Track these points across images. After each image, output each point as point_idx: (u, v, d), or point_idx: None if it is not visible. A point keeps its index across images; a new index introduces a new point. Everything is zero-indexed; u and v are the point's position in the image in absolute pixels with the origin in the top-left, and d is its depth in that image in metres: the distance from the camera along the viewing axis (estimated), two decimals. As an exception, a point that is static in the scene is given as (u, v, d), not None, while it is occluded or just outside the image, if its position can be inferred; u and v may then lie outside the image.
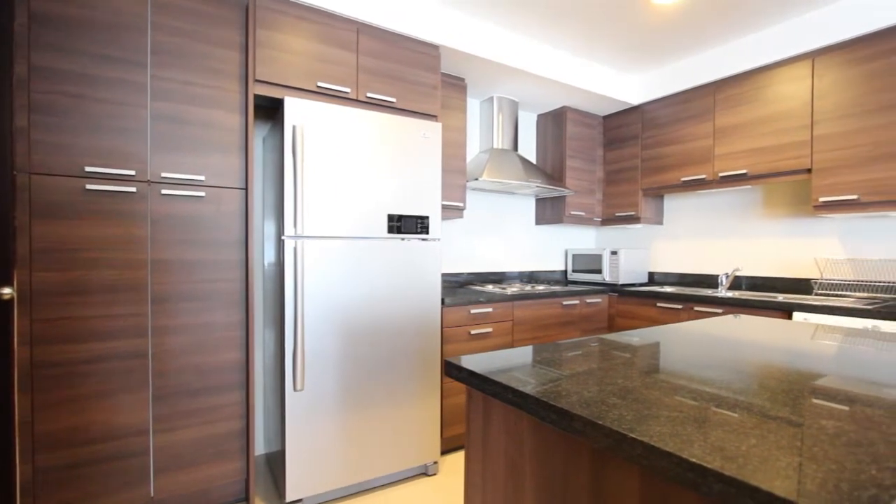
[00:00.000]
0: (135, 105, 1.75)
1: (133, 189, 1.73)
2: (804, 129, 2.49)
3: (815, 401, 0.76)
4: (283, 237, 1.90)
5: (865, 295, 2.49)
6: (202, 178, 1.86)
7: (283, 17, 2.01)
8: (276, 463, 2.11)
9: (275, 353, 2.09)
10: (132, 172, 1.74)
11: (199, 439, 1.87)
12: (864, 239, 2.53)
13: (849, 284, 2.56)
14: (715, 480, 0.51)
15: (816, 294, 2.67)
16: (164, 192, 1.79)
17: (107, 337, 1.70)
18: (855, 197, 2.29)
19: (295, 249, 1.90)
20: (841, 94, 2.35)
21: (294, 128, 1.89)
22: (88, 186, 1.66)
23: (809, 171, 2.48)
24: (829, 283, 2.64)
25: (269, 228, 2.25)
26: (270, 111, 2.41)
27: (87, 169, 1.65)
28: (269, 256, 2.24)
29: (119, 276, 1.72)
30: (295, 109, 1.90)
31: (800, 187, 2.79)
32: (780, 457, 0.55)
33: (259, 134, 2.49)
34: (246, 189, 1.97)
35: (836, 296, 2.58)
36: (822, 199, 2.41)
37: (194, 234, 1.87)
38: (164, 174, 1.80)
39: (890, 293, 2.42)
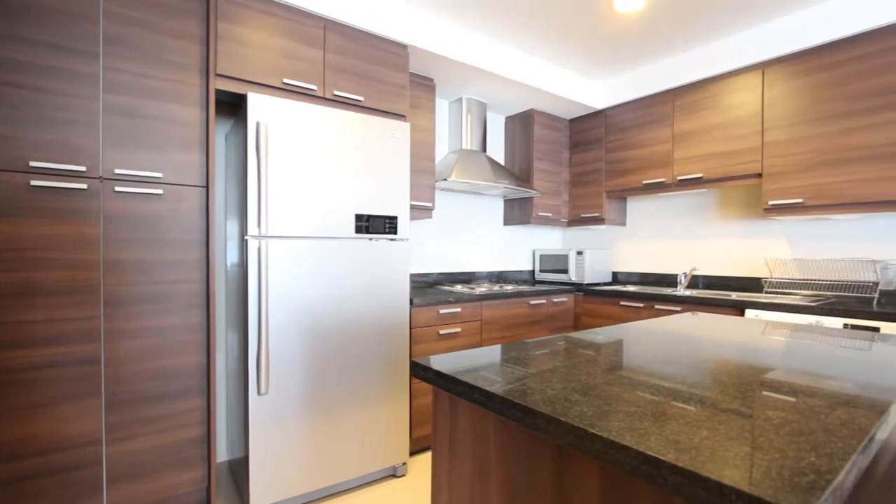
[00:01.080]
0: (85, 97, 1.66)
1: (83, 186, 1.64)
2: (755, 136, 2.62)
3: (764, 393, 0.80)
4: (246, 237, 1.85)
5: (810, 293, 2.65)
6: (160, 175, 1.79)
7: (246, 11, 1.95)
8: (239, 470, 2.04)
9: (238, 357, 2.03)
10: (82, 168, 1.65)
11: (157, 447, 1.79)
12: (809, 240, 2.69)
13: (795, 283, 2.72)
14: (669, 472, 0.54)
15: (766, 292, 2.82)
16: (117, 189, 1.71)
17: (55, 342, 1.60)
18: (800, 200, 2.43)
19: (259, 249, 1.85)
20: (789, 103, 2.50)
21: (258, 124, 1.84)
22: (34, 182, 1.56)
23: (760, 175, 2.62)
24: (777, 282, 2.79)
25: (232, 228, 2.18)
26: (233, 107, 2.34)
27: (32, 164, 1.56)
28: (233, 257, 2.18)
29: (68, 277, 1.63)
30: (259, 106, 1.85)
31: (752, 191, 2.94)
32: (730, 447, 0.58)
33: (221, 130, 2.41)
34: (207, 187, 1.91)
35: (784, 293, 2.74)
36: (771, 203, 2.55)
37: (151, 233, 1.79)
38: (117, 170, 1.71)
39: (832, 290, 2.58)
